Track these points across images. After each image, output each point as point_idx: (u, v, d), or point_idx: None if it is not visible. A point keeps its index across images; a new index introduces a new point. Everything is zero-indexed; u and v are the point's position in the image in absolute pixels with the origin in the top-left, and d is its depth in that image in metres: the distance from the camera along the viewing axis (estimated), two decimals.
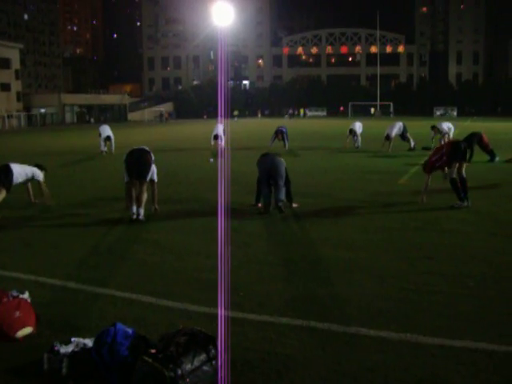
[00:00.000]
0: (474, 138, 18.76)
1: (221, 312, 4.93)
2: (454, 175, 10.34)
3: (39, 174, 10.90)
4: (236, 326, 4.72)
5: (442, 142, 22.40)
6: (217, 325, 4.62)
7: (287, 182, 10.10)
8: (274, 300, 5.41)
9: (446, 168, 10.55)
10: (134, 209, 9.34)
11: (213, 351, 3.80)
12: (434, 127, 23.01)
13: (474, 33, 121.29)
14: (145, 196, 9.47)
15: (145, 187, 9.52)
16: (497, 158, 18.59)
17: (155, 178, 9.86)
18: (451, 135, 22.33)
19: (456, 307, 5.19)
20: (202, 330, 3.98)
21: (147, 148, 9.98)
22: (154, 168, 9.80)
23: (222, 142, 20.73)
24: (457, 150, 10.35)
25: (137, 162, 9.66)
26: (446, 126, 22.65)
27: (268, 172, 9.98)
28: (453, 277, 6.13)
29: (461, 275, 6.18)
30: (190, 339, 3.81)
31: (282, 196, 9.83)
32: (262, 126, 53.22)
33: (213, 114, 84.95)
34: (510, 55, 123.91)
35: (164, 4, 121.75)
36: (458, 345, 4.40)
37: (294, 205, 10.27)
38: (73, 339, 4.22)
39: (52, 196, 11.32)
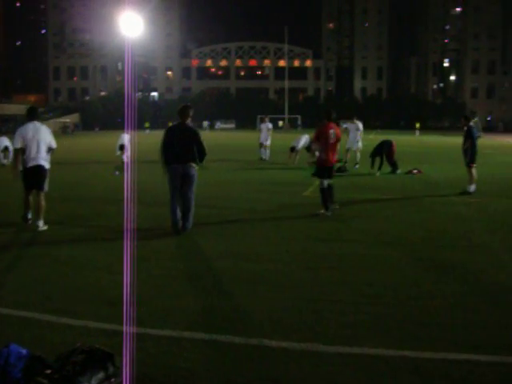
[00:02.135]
0: (385, 146, 19.55)
1: (122, 328, 4.84)
2: (325, 185, 11.00)
3: None
4: (137, 341, 4.65)
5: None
6: (118, 341, 4.54)
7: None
8: (176, 314, 5.38)
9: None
10: (30, 214, 9.62)
11: (111, 368, 3.73)
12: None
13: (377, 49, 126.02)
14: (43, 205, 9.53)
15: (42, 196, 9.61)
16: (398, 171, 19.35)
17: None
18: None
19: (356, 315, 5.35)
20: (100, 347, 3.90)
21: (43, 162, 9.64)
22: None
23: (128, 153, 20.53)
24: (323, 171, 11.12)
25: (33, 173, 9.56)
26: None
27: (179, 180, 9.25)
28: (353, 285, 6.31)
29: (361, 284, 6.38)
30: (87, 357, 3.73)
31: (190, 224, 9.31)
32: None
33: (111, 126, 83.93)
34: (412, 71, 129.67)
35: (71, 12, 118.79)
36: (357, 352, 4.52)
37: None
38: None
39: None
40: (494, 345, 4.67)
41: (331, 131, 11.02)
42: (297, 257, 7.68)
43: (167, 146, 9.34)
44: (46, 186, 9.77)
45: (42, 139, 9.50)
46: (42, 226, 9.45)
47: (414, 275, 6.81)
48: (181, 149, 9.23)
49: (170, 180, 9.33)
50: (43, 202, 9.56)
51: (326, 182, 11.06)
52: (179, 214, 9.25)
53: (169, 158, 9.30)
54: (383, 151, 19.50)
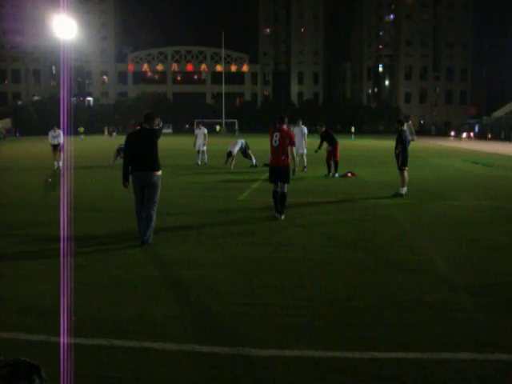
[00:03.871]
0: (332, 139, 20.02)
1: (52, 339, 4.74)
2: (275, 189, 11.24)
3: None
4: (67, 351, 4.55)
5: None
6: (47, 352, 4.44)
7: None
8: (108, 323, 5.29)
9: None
10: None
11: (37, 381, 3.62)
12: None
13: (313, 55, 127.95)
14: None
15: None
16: (336, 174, 19.71)
17: None
18: None
19: (286, 318, 5.40)
20: (25, 359, 3.78)
21: None
22: None
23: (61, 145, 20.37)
24: (271, 172, 11.35)
25: None
26: None
27: (140, 188, 8.85)
28: (285, 289, 6.37)
29: (294, 287, 6.45)
30: (11, 370, 3.60)
31: (146, 237, 8.70)
32: (108, 143, 52.07)
33: (46, 131, 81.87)
34: (347, 76, 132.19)
35: (1, 13, 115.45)
36: (288, 354, 4.57)
37: None
38: None
39: None
40: (422, 343, 4.80)
41: (275, 134, 11.10)
42: (230, 262, 7.69)
43: (129, 153, 8.86)
44: None
45: None
46: None
47: (346, 276, 6.93)
48: (142, 155, 8.77)
49: (133, 188, 8.93)
50: None
51: (275, 187, 11.23)
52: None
53: (132, 166, 8.83)
54: (328, 142, 20.10)
